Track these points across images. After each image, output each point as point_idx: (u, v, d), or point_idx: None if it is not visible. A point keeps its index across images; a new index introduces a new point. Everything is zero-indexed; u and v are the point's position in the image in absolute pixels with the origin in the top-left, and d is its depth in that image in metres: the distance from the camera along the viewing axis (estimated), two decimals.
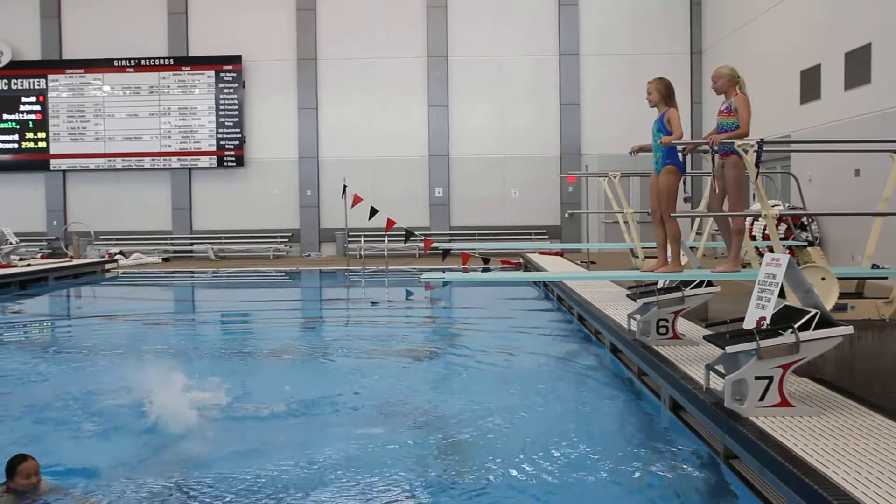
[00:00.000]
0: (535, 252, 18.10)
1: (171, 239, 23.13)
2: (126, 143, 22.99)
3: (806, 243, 8.38)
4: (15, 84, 23.02)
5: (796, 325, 4.57)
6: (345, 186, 18.66)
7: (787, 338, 4.56)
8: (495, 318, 12.03)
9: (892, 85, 12.36)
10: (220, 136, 22.91)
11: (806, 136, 14.69)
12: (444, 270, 17.57)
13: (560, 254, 17.92)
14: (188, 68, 22.87)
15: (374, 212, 17.33)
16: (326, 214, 22.82)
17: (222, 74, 22.83)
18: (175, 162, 22.99)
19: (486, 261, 18.21)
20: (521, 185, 22.74)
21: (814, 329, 4.58)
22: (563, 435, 5.45)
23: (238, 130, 22.87)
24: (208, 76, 22.87)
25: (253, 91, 23.00)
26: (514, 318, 11.78)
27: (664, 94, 7.03)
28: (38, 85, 23.02)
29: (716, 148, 6.68)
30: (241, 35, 22.79)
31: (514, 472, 4.75)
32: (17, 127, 23.06)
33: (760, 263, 5.13)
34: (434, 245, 18.37)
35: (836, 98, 14.08)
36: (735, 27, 19.34)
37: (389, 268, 18.70)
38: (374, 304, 15.13)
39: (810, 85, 15.05)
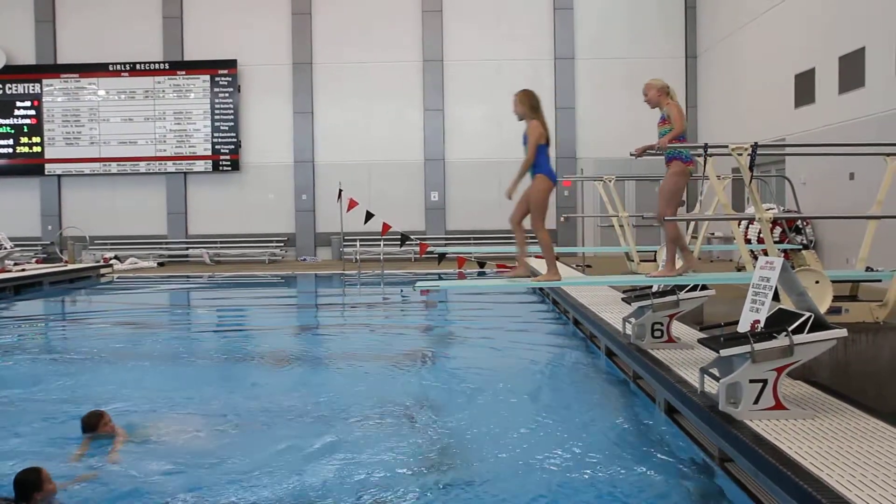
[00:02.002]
0: (531, 256, 18.05)
1: (167, 243, 23.11)
2: (121, 147, 22.97)
3: (800, 246, 8.40)
4: (9, 88, 22.99)
5: (790, 329, 4.57)
6: (340, 190, 18.65)
7: (782, 341, 4.56)
8: (490, 322, 12.02)
9: (886, 88, 12.41)
10: (215, 140, 22.90)
11: (800, 139, 14.73)
12: (439, 276, 17.58)
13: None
14: (183, 72, 22.86)
15: (369, 216, 17.32)
16: (322, 219, 22.81)
17: (217, 79, 22.82)
18: (170, 166, 22.98)
19: (481, 265, 18.19)
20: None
21: (808, 332, 4.58)
22: (558, 438, 5.45)
23: (233, 135, 22.87)
24: (203, 80, 22.85)
25: (248, 95, 22.99)
26: (510, 322, 11.77)
27: (528, 105, 7.10)
28: (33, 89, 23.00)
29: (660, 151, 6.79)
30: (236, 39, 22.80)
31: (510, 477, 4.74)
32: (12, 132, 23.03)
33: (755, 267, 5.14)
34: (430, 249, 18.36)
35: (830, 102, 14.12)
36: (730, 31, 19.38)
37: (385, 272, 18.68)
38: (369, 306, 15.11)
39: (805, 88, 15.10)
